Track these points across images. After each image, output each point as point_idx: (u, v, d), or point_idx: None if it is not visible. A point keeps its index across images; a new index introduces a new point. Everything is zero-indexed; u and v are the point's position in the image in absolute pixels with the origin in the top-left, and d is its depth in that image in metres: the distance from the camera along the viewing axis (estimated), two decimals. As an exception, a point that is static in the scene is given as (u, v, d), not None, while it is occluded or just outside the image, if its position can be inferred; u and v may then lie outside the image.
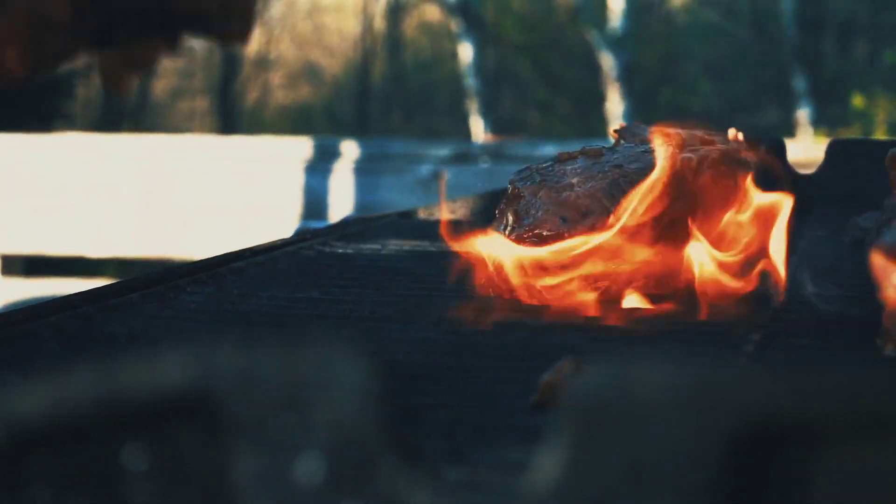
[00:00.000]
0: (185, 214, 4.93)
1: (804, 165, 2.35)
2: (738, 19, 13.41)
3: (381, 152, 4.88)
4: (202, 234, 4.88)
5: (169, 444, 0.54)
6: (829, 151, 2.20)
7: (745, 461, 0.51)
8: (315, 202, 4.80)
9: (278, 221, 4.49)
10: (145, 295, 1.45)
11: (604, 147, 1.59)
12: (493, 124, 11.44)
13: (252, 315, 1.39)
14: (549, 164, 1.55)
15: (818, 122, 11.78)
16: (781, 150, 2.22)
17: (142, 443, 0.54)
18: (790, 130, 12.02)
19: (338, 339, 0.54)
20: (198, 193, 4.94)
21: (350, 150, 4.86)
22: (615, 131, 1.83)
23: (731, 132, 1.91)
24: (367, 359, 0.55)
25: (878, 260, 0.98)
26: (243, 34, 0.91)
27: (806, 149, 3.96)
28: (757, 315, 1.42)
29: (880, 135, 10.86)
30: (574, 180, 1.49)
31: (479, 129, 11.33)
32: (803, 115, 12.05)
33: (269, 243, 1.79)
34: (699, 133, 1.65)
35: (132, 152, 5.24)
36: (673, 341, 1.29)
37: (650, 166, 1.51)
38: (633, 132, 1.80)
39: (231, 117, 12.52)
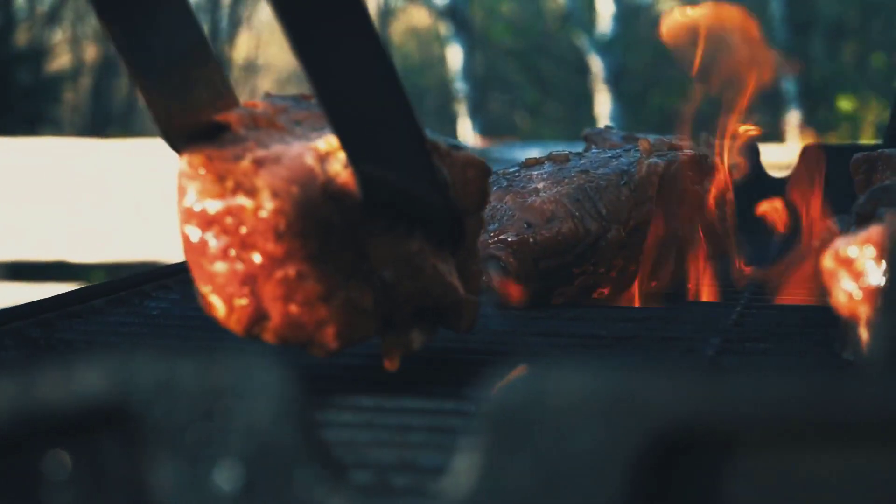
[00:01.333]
0: (172, 218, 4.93)
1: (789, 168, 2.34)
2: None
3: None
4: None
5: (85, 452, 0.54)
6: (804, 155, 2.20)
7: (656, 467, 0.52)
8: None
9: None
10: (110, 301, 1.45)
11: (570, 152, 1.59)
12: (483, 127, 11.45)
13: (212, 321, 1.39)
14: (515, 169, 1.55)
15: (807, 126, 11.80)
16: (755, 154, 2.22)
17: (57, 451, 0.54)
18: (779, 133, 12.04)
19: (257, 347, 0.54)
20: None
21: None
22: (584, 136, 1.83)
23: (703, 137, 1.92)
24: (283, 366, 0.55)
25: (827, 264, 0.98)
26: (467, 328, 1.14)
27: (793, 152, 3.96)
28: (721, 318, 1.42)
29: (868, 138, 10.88)
30: (540, 185, 1.49)
31: (467, 133, 11.34)
32: (792, 118, 12.07)
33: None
34: (667, 139, 1.66)
35: (120, 156, 5.24)
36: (633, 346, 1.29)
37: (617, 171, 1.51)
38: (604, 136, 1.81)
39: (219, 122, 12.48)
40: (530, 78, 13.38)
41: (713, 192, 1.82)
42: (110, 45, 1.02)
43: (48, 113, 10.60)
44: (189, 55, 1.06)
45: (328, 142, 1.04)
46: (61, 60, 11.95)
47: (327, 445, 0.56)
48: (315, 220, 1.00)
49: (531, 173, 1.51)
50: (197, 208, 1.02)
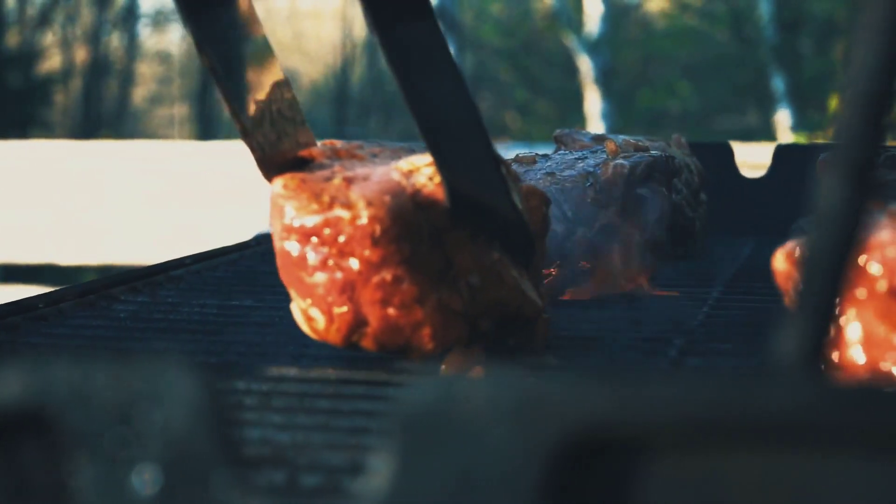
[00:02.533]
0: (159, 219, 4.93)
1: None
2: (715, 22, 13.44)
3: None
4: (174, 241, 4.88)
5: (3, 458, 0.55)
6: (777, 156, 2.21)
7: (568, 471, 0.52)
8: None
9: (257, 226, 4.50)
10: (77, 304, 1.45)
11: (536, 154, 1.59)
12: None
13: (179, 324, 1.40)
14: (481, 170, 1.55)
15: (797, 125, 11.81)
16: (729, 156, 2.23)
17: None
18: (770, 133, 12.06)
19: (178, 350, 0.54)
20: (171, 199, 4.94)
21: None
22: (555, 137, 1.84)
23: (675, 138, 1.92)
24: (202, 369, 0.55)
25: (779, 265, 0.99)
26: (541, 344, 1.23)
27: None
28: (688, 318, 1.43)
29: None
30: (505, 187, 1.49)
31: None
32: (782, 117, 12.09)
33: (209, 251, 1.80)
34: (633, 140, 1.66)
35: (110, 158, 5.24)
36: (594, 347, 1.29)
37: (582, 173, 1.52)
38: (573, 138, 1.81)
39: (210, 124, 12.51)
40: (520, 78, 13.40)
41: (684, 192, 1.83)
42: (209, 76, 1.14)
43: (39, 115, 10.60)
44: (276, 93, 1.16)
45: (410, 162, 1.12)
46: (52, 62, 11.95)
47: (243, 448, 0.56)
48: (407, 226, 1.08)
49: (497, 175, 1.51)
50: (296, 224, 1.09)
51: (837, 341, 0.95)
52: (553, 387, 0.52)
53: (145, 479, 0.53)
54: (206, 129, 12.39)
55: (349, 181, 1.11)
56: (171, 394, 0.54)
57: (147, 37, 13.48)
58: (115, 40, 12.69)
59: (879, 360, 0.93)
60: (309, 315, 1.13)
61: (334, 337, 1.12)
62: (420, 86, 1.10)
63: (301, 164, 1.17)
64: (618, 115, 11.90)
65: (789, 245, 0.99)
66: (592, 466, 0.52)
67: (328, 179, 1.12)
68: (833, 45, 13.49)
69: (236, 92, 1.13)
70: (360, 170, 1.14)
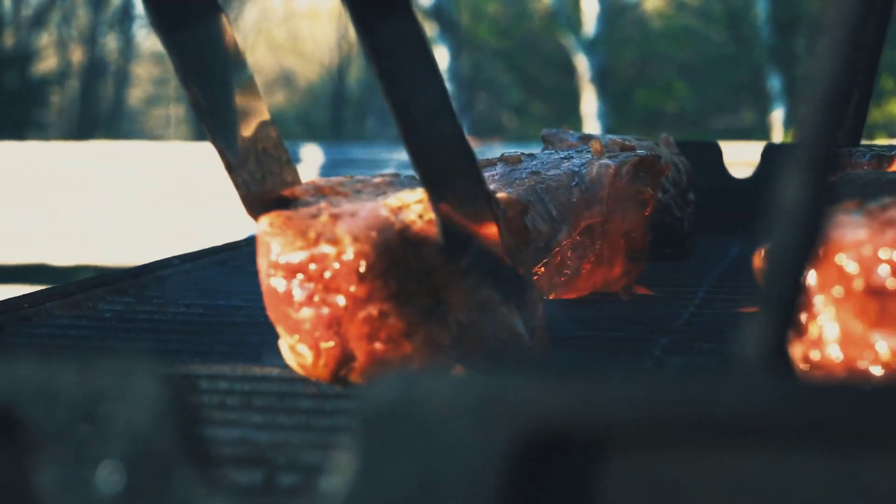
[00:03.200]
0: (149, 220, 4.93)
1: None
2: (712, 21, 13.44)
3: (345, 157, 4.89)
4: (169, 241, 4.88)
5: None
6: (765, 156, 2.21)
7: (529, 469, 0.52)
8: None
9: (251, 227, 4.49)
10: (63, 305, 1.45)
11: (522, 153, 1.59)
12: (469, 128, 11.46)
13: (163, 324, 1.40)
14: (467, 170, 1.55)
15: (793, 124, 11.81)
16: (718, 155, 2.23)
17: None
18: (766, 131, 12.06)
19: (141, 351, 0.54)
20: (163, 200, 4.94)
21: (313, 155, 4.86)
22: (542, 136, 1.84)
23: (663, 137, 1.92)
24: (166, 368, 0.55)
25: (757, 263, 0.99)
26: None
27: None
28: (673, 318, 1.43)
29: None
30: (491, 187, 1.49)
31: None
32: (778, 116, 12.10)
33: (198, 251, 1.80)
34: (619, 140, 1.67)
35: (103, 159, 5.23)
36: (579, 347, 1.29)
37: (568, 172, 1.52)
38: (560, 137, 1.81)
39: (206, 124, 12.45)
40: (516, 78, 13.40)
41: (672, 192, 1.83)
42: (197, 116, 1.15)
43: (35, 117, 10.59)
44: (262, 131, 1.17)
45: (400, 199, 1.13)
46: (48, 64, 11.94)
47: (208, 447, 0.57)
48: (394, 262, 1.08)
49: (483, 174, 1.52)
50: (282, 260, 1.10)
51: (816, 340, 0.95)
52: (514, 385, 0.52)
53: (109, 477, 0.53)
54: (201, 129, 12.34)
55: (336, 217, 1.11)
56: (135, 392, 0.54)
57: (143, 38, 13.48)
58: (110, 41, 12.69)
59: (857, 358, 0.93)
60: (296, 351, 1.13)
61: (322, 372, 1.12)
62: (415, 123, 1.08)
63: (286, 203, 1.17)
64: (614, 115, 11.91)
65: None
66: (553, 464, 0.52)
67: (314, 216, 1.12)
68: (829, 45, 13.45)
69: (222, 128, 1.13)
70: (347, 206, 1.14)
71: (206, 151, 5.12)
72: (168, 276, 1.65)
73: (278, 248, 1.10)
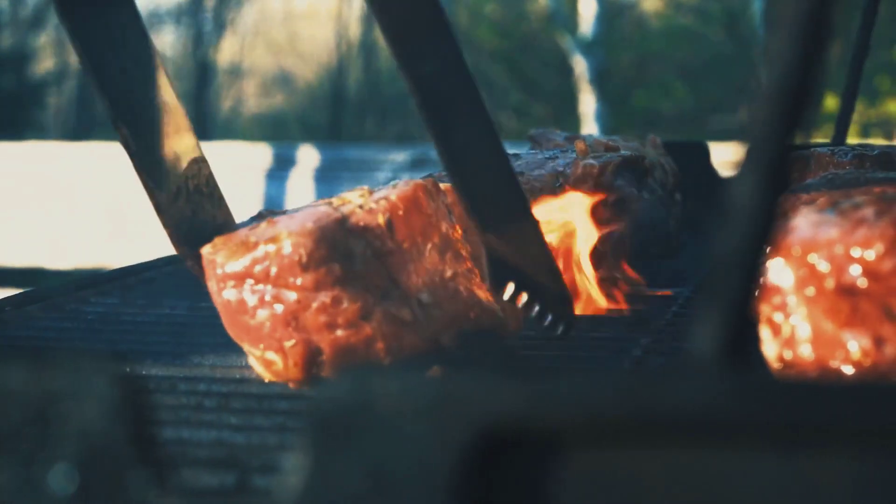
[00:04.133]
0: (142, 222, 4.93)
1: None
2: (709, 22, 13.44)
3: (340, 158, 4.89)
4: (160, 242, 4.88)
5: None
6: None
7: (484, 467, 0.52)
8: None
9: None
10: (45, 307, 1.45)
11: (508, 154, 1.59)
12: (468, 129, 11.41)
13: (146, 325, 1.40)
14: (450, 171, 1.55)
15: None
16: (705, 155, 2.23)
17: None
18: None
19: (95, 353, 0.54)
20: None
21: (308, 157, 4.86)
22: (529, 136, 1.84)
23: (650, 138, 1.92)
24: (120, 368, 0.55)
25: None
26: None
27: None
28: (656, 318, 1.43)
29: (852, 136, 10.90)
30: (474, 187, 1.49)
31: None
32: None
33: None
34: (605, 140, 1.67)
35: (94, 161, 5.23)
36: (561, 346, 1.29)
37: (552, 173, 1.52)
38: (548, 137, 1.81)
39: (204, 126, 12.50)
40: (515, 79, 13.39)
41: (658, 192, 1.83)
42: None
43: (33, 117, 10.59)
44: (192, 168, 1.21)
45: (341, 197, 1.15)
46: (45, 64, 11.94)
47: (160, 447, 0.57)
48: (334, 247, 1.09)
49: (466, 175, 1.52)
50: (228, 270, 1.11)
51: (788, 339, 0.95)
52: (466, 384, 0.52)
53: (62, 478, 0.53)
54: (199, 130, 12.37)
55: (273, 222, 1.14)
56: (87, 393, 0.54)
57: (141, 39, 13.45)
58: (109, 43, 12.65)
59: (829, 357, 0.93)
60: (265, 360, 1.13)
61: (294, 373, 1.13)
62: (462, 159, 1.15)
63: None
64: (613, 116, 11.90)
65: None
66: (506, 461, 0.52)
67: (253, 228, 1.15)
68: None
69: (151, 168, 1.15)
70: (285, 215, 1.16)
71: (211, 153, 5.12)
72: (153, 277, 1.65)
73: (222, 259, 1.12)
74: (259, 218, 1.20)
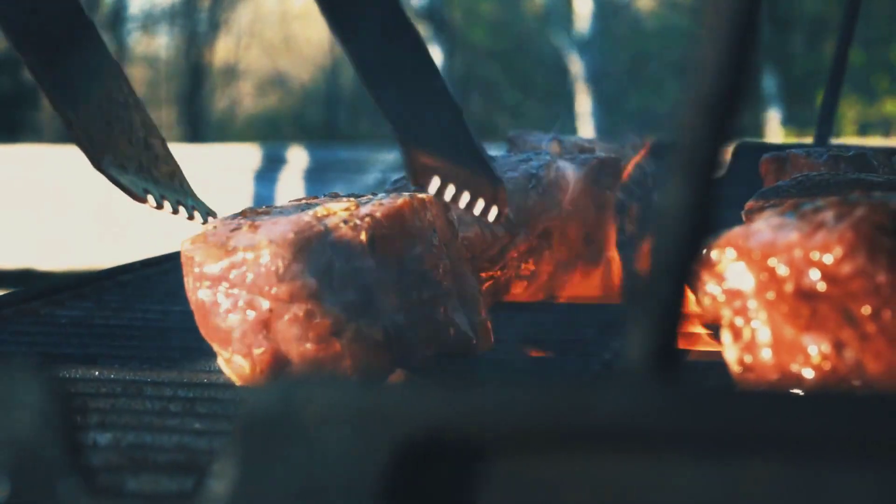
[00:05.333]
0: (134, 224, 4.92)
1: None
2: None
3: (331, 158, 4.88)
4: (152, 243, 4.87)
5: None
6: (736, 155, 2.21)
7: (408, 475, 0.52)
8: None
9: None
10: (20, 311, 1.45)
11: (482, 156, 1.59)
12: (463, 129, 11.41)
13: (119, 329, 1.40)
14: (424, 173, 1.55)
15: (788, 123, 11.81)
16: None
17: None
18: (760, 131, 12.06)
19: (27, 357, 0.54)
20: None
21: (299, 157, 4.86)
22: (509, 138, 1.84)
23: (630, 140, 1.92)
24: (50, 375, 0.55)
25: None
26: None
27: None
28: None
29: (849, 135, 10.91)
30: (448, 190, 1.49)
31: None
32: (773, 115, 12.09)
33: (160, 255, 1.80)
34: (581, 142, 1.67)
35: (86, 163, 5.23)
36: (530, 349, 1.29)
37: (526, 175, 1.52)
38: (525, 139, 1.81)
39: (198, 127, 12.49)
40: (510, 79, 13.39)
41: (637, 193, 1.83)
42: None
43: (28, 120, 10.59)
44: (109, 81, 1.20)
45: (326, 207, 1.14)
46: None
47: (87, 455, 0.56)
48: (312, 260, 1.09)
49: (440, 178, 1.51)
50: (205, 271, 1.12)
51: (749, 343, 0.95)
52: (391, 392, 0.52)
53: (-10, 488, 0.53)
54: (194, 132, 12.37)
55: (255, 227, 1.13)
56: (17, 400, 0.54)
57: (135, 40, 13.47)
58: (103, 44, 12.66)
59: (789, 361, 0.93)
60: (233, 363, 1.14)
61: (261, 380, 1.13)
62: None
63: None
64: (608, 116, 11.89)
65: (703, 247, 0.99)
66: (430, 470, 0.52)
67: (235, 229, 1.14)
68: (823, 43, 13.48)
69: (62, 87, 1.14)
70: (268, 218, 1.16)
71: (200, 154, 5.11)
72: (129, 280, 1.65)
73: (200, 260, 1.12)
74: (243, 216, 1.19)
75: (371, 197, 1.18)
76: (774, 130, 11.75)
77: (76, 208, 5.03)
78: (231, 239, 1.13)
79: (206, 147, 5.59)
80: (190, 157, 5.10)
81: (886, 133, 11.48)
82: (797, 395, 0.51)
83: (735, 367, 0.95)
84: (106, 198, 5.04)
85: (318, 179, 4.80)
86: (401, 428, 0.52)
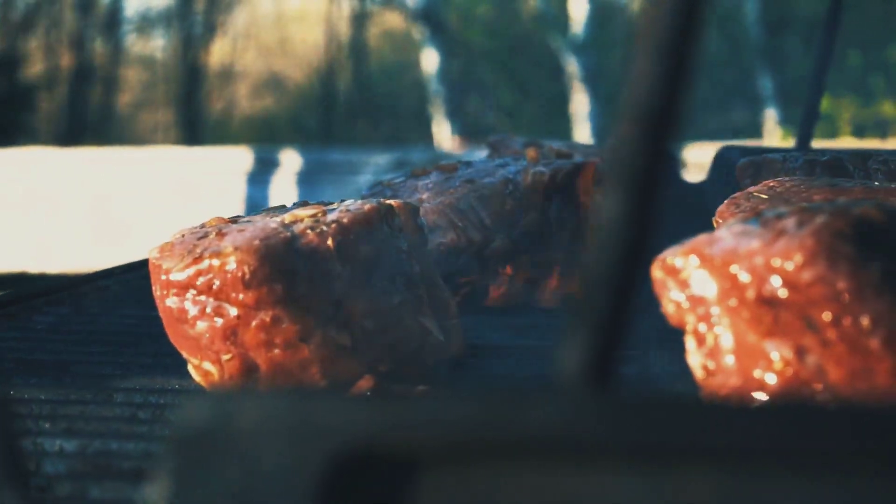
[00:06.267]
0: (127, 227, 4.92)
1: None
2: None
3: (324, 161, 4.89)
4: (147, 246, 4.88)
5: None
6: (717, 159, 2.21)
7: (341, 488, 0.52)
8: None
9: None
10: (-3, 316, 1.45)
11: (459, 161, 1.60)
12: (460, 129, 11.43)
13: (95, 335, 1.40)
14: (401, 178, 1.56)
15: (785, 123, 11.82)
16: (678, 158, 2.23)
17: None
18: (757, 131, 12.06)
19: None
20: (143, 205, 4.93)
21: (292, 159, 4.86)
22: (489, 142, 1.84)
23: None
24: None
25: (656, 274, 0.99)
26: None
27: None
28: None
29: (844, 136, 10.91)
30: (424, 195, 1.50)
31: (445, 135, 11.34)
32: (770, 116, 12.09)
33: (140, 260, 1.80)
34: (559, 147, 1.67)
35: (79, 165, 5.23)
36: (509, 354, 1.29)
37: (502, 180, 1.52)
38: (506, 143, 1.81)
39: (195, 128, 12.48)
40: (507, 80, 13.39)
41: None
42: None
43: (23, 122, 10.58)
44: None
45: (293, 214, 1.15)
46: (36, 68, 11.93)
47: (53, 463, 0.57)
48: (278, 267, 1.10)
49: (416, 183, 1.52)
50: (173, 278, 1.12)
51: (712, 349, 0.95)
52: (324, 406, 0.52)
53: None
54: (191, 134, 12.36)
55: (222, 235, 1.14)
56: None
57: (131, 42, 13.47)
58: (99, 46, 12.68)
59: (751, 367, 0.93)
60: (202, 370, 1.15)
61: (230, 386, 1.13)
62: None
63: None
64: (605, 116, 11.89)
65: (665, 254, 1.00)
66: (364, 482, 0.52)
67: (203, 237, 1.15)
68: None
69: None
70: (236, 227, 1.16)
71: (196, 156, 5.11)
72: (108, 285, 1.65)
73: (167, 267, 1.13)
74: (210, 225, 1.20)
75: (339, 203, 1.19)
76: (772, 130, 11.75)
77: (70, 211, 5.03)
78: (198, 247, 1.13)
79: (200, 150, 5.59)
80: (184, 162, 5.09)
81: (884, 134, 11.49)
82: (729, 405, 0.51)
83: (698, 373, 0.96)
84: (101, 201, 5.04)
85: (311, 182, 4.80)
86: (334, 440, 0.52)
